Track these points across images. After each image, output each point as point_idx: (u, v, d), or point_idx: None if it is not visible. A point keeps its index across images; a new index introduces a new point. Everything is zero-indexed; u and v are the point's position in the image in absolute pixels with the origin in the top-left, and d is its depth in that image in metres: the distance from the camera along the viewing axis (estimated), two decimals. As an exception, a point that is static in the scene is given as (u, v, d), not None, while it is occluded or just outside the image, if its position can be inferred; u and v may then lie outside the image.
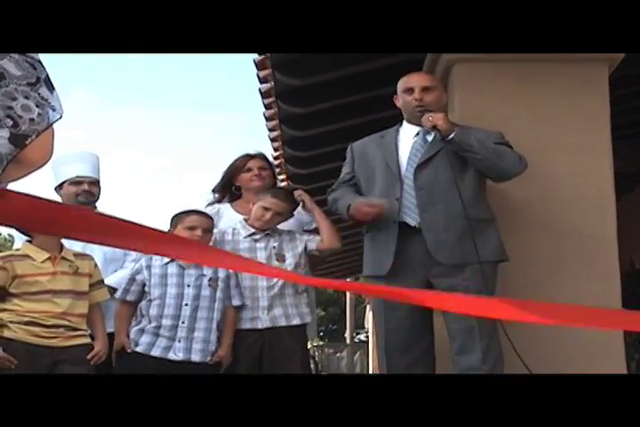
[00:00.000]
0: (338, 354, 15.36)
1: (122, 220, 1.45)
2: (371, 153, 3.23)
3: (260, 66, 4.39)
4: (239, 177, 3.68)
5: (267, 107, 4.90)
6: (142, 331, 3.29)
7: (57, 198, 3.72)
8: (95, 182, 3.75)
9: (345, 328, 17.24)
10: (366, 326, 19.27)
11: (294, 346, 3.34)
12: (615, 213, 3.39)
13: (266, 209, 3.43)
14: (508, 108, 3.44)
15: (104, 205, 3.87)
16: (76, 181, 3.69)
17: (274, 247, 3.45)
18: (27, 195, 1.18)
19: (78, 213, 1.44)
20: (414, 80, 3.19)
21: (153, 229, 1.29)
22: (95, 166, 3.78)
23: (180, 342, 3.26)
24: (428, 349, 3.10)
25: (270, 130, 5.32)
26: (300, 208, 3.67)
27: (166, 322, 3.27)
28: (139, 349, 3.27)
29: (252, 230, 3.46)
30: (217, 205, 3.72)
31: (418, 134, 3.15)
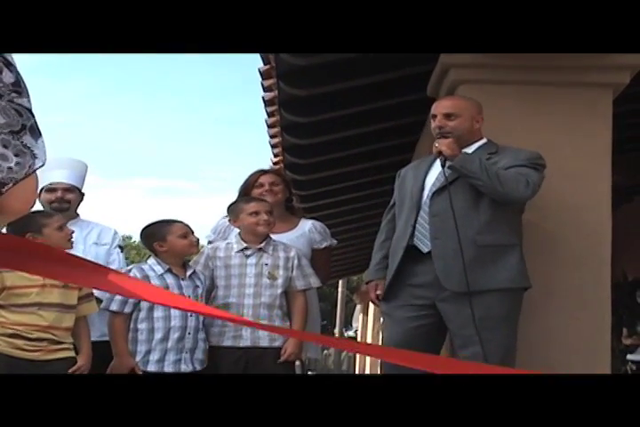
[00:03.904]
0: (325, 351, 15.38)
1: (77, 257, 1.45)
2: (407, 180, 3.26)
3: (264, 75, 4.42)
4: (252, 193, 3.68)
5: (269, 115, 4.94)
6: (149, 351, 3.24)
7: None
8: (70, 189, 3.65)
9: (335, 324, 17.26)
10: (354, 325, 19.32)
11: (278, 370, 3.24)
12: (610, 239, 3.41)
13: (255, 213, 3.41)
14: (511, 131, 3.44)
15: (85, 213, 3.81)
16: (50, 188, 3.61)
17: (265, 264, 3.41)
18: None
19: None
20: (437, 106, 3.17)
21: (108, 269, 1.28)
22: (75, 173, 3.68)
23: (187, 353, 3.26)
24: None
25: (271, 137, 5.36)
26: (312, 228, 3.71)
27: (174, 335, 3.24)
28: (150, 368, 3.22)
29: (245, 245, 3.44)
30: None
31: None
